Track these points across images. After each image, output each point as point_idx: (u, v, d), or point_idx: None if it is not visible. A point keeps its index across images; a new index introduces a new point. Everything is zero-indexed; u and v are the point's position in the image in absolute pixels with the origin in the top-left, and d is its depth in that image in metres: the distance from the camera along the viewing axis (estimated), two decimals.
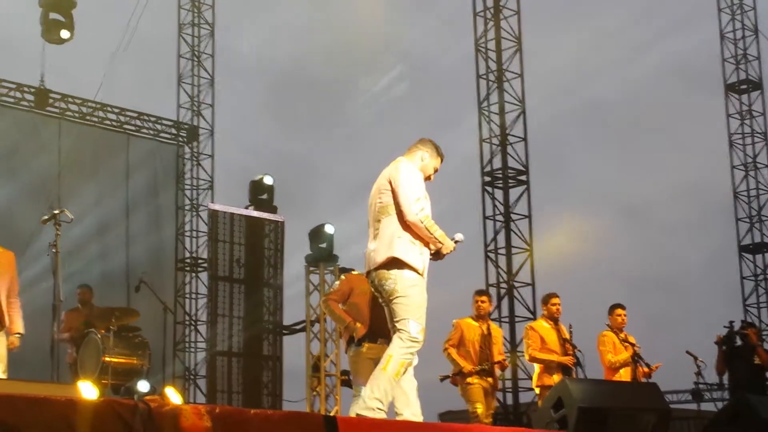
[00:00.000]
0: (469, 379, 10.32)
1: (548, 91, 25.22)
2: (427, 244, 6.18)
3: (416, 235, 6.11)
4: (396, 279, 6.06)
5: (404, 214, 6.07)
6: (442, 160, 6.45)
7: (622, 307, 10.77)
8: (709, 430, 8.64)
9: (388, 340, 7.71)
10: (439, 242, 6.15)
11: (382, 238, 6.15)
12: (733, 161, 22.11)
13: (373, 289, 6.43)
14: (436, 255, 6.25)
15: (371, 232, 6.28)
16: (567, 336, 10.28)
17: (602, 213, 30.76)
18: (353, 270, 9.55)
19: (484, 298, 10.72)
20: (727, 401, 12.15)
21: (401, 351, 6.02)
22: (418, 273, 6.09)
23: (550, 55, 26.00)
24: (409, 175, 6.19)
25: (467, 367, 10.31)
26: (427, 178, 6.36)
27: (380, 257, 6.13)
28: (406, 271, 6.05)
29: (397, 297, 6.06)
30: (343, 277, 9.21)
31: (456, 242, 6.31)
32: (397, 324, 6.08)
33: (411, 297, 6.05)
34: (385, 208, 6.20)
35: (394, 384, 6.02)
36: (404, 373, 6.09)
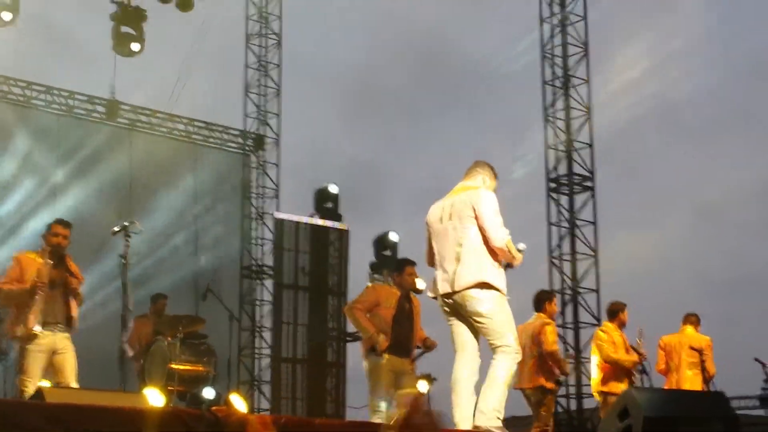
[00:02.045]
0: None
1: (616, 96, 25.00)
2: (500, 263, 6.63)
3: (497, 258, 6.56)
4: (487, 300, 6.49)
5: (493, 241, 6.49)
6: (497, 181, 6.84)
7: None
8: None
9: (407, 353, 8.45)
10: (516, 259, 6.61)
11: (467, 262, 6.53)
12: None
13: (447, 309, 6.70)
14: (506, 266, 6.66)
15: (449, 254, 6.62)
16: (639, 341, 10.25)
17: (672, 216, 30.43)
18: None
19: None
20: None
21: (510, 362, 6.47)
22: (503, 293, 6.54)
23: (617, 60, 25.79)
24: (493, 202, 6.59)
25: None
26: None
27: (467, 281, 6.52)
28: (495, 293, 6.50)
29: (491, 316, 6.49)
30: (369, 285, 9.28)
31: (521, 251, 6.67)
32: (496, 341, 6.50)
33: (504, 314, 6.55)
34: (469, 234, 6.56)
35: (506, 394, 6.47)
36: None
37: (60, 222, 8.65)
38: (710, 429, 7.43)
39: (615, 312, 10.63)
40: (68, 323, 8.44)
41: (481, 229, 6.53)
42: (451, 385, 6.64)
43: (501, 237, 6.49)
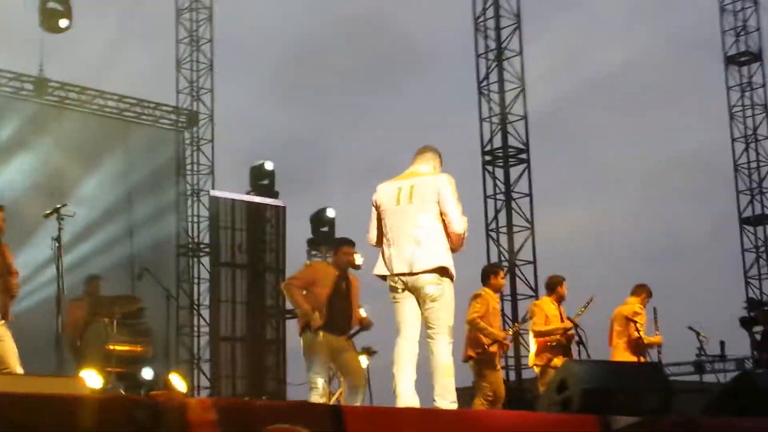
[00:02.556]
0: None
1: (549, 69, 25.14)
2: None
3: (452, 244, 6.69)
4: (444, 286, 6.63)
5: (455, 226, 6.63)
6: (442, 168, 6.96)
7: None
8: (713, 404, 8.67)
9: (343, 331, 8.56)
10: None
11: (429, 246, 6.63)
12: (734, 133, 22.10)
13: (399, 288, 6.75)
14: None
15: (406, 236, 6.69)
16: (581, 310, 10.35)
17: (609, 187, 30.76)
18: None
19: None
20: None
21: (451, 348, 6.67)
22: (453, 280, 6.71)
23: (549, 33, 25.92)
24: (454, 189, 6.72)
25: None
26: None
27: (428, 264, 6.62)
28: (448, 280, 6.65)
29: (442, 302, 6.63)
30: (307, 263, 9.34)
31: None
32: (439, 326, 6.63)
33: (452, 302, 6.71)
34: (429, 218, 6.66)
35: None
36: None
37: None
38: (645, 399, 7.56)
39: (553, 286, 10.71)
40: (5, 312, 8.25)
41: (443, 214, 6.64)
42: (393, 359, 6.73)
43: (461, 224, 6.65)
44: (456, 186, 6.74)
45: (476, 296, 10.17)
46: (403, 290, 6.76)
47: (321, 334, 8.48)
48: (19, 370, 8.14)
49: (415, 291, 6.71)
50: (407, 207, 6.73)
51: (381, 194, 6.89)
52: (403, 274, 6.71)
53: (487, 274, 10.37)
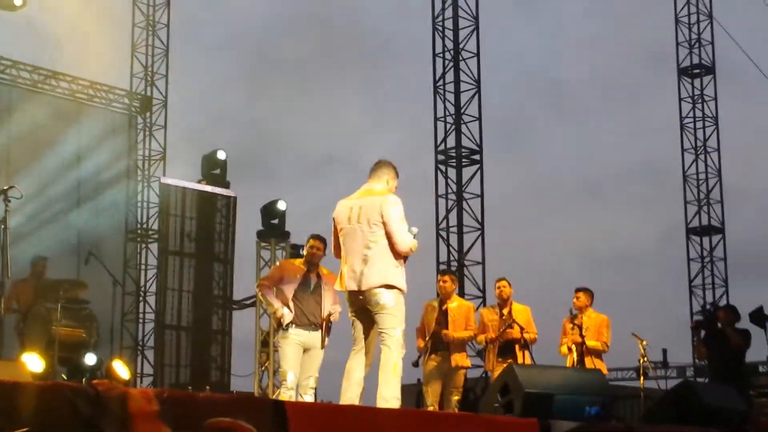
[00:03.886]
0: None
1: (505, 72, 25.29)
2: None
3: (400, 258, 7.06)
4: (389, 296, 7.00)
5: (399, 246, 6.97)
6: (398, 180, 7.26)
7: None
8: (653, 412, 8.79)
9: (315, 326, 8.83)
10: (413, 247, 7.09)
11: (375, 264, 7.02)
12: (684, 144, 22.37)
13: (353, 305, 7.20)
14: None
15: (357, 254, 7.09)
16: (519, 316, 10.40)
17: (556, 190, 31.01)
18: (303, 246, 9.68)
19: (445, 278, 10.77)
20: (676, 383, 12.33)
21: (399, 352, 7.00)
22: (402, 291, 7.08)
23: (507, 36, 26.07)
24: (398, 208, 7.05)
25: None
26: None
27: (375, 282, 7.02)
28: (396, 291, 7.02)
29: (388, 311, 6.99)
30: (278, 263, 9.54)
31: (414, 236, 7.11)
32: (389, 330, 7.00)
33: (400, 312, 7.06)
34: (376, 238, 7.03)
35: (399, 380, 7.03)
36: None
37: None
38: (586, 403, 7.65)
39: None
40: None
41: (388, 235, 6.99)
42: (345, 371, 7.16)
43: (406, 242, 6.99)
44: (400, 205, 7.03)
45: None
46: (355, 307, 7.19)
47: (290, 330, 8.80)
48: None
49: (367, 304, 7.08)
50: (357, 226, 7.10)
51: (337, 212, 7.26)
52: (353, 292, 7.11)
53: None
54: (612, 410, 7.95)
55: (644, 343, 11.49)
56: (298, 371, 8.83)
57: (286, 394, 8.71)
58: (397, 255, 7.03)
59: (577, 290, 10.89)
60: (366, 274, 7.03)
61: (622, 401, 16.38)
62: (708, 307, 11.90)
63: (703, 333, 11.88)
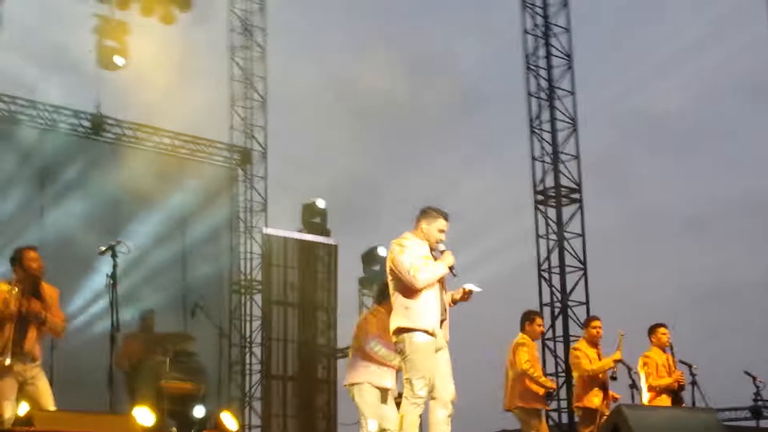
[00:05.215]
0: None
1: (602, 109, 25.06)
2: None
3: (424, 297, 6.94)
4: (403, 345, 6.96)
5: (412, 286, 6.92)
6: (445, 218, 7.22)
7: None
8: None
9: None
10: (443, 268, 6.99)
11: (394, 308, 7.07)
12: None
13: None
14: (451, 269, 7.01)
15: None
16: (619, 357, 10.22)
17: (658, 227, 30.50)
18: None
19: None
20: None
21: (405, 405, 6.91)
22: (428, 333, 6.90)
23: (602, 71, 25.87)
24: (397, 255, 7.02)
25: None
26: (439, 241, 7.15)
27: (392, 325, 7.04)
28: (407, 336, 6.92)
29: (405, 360, 6.97)
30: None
31: (469, 290, 7.15)
32: (406, 383, 6.95)
33: (413, 357, 6.91)
34: (393, 285, 7.11)
35: None
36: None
37: (32, 247, 8.46)
38: None
39: (585, 326, 10.72)
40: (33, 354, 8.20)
41: (399, 281, 7.03)
42: None
43: (416, 280, 6.91)
44: (400, 246, 7.04)
45: (520, 344, 10.13)
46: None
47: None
48: (53, 409, 8.13)
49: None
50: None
51: None
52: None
53: (524, 321, 10.35)
54: None
55: (759, 379, 11.16)
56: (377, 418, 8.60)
57: None
58: (410, 294, 6.98)
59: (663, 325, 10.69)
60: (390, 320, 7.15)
61: None
62: None
63: None
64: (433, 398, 6.96)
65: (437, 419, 6.94)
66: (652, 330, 10.66)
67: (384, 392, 8.30)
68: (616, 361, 10.19)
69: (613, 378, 10.22)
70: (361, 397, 8.26)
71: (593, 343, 10.52)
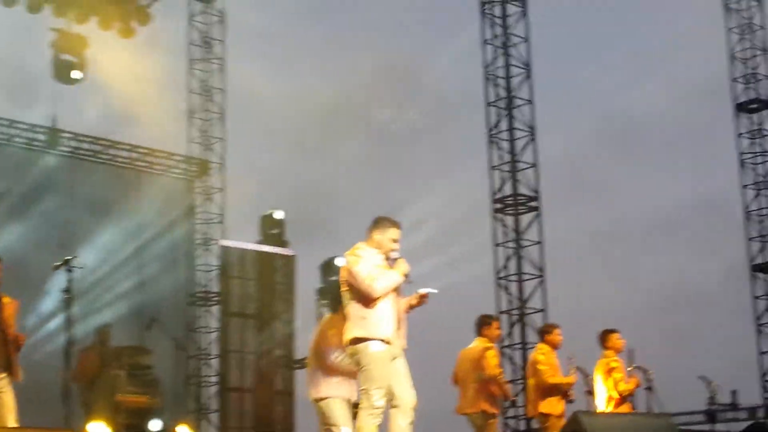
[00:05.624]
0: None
1: (559, 116, 25.22)
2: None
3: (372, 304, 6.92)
4: (358, 356, 6.94)
5: (370, 296, 6.88)
6: (397, 227, 7.25)
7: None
8: None
9: None
10: (398, 276, 7.01)
11: (349, 318, 7.02)
12: (744, 180, 22.06)
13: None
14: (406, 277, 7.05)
15: None
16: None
17: (616, 235, 30.71)
18: None
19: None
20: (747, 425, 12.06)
21: (361, 417, 6.88)
22: (384, 341, 6.90)
23: (560, 81, 26.04)
24: (353, 266, 6.99)
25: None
26: (392, 250, 7.14)
27: (348, 336, 7.00)
28: (363, 346, 6.90)
29: (360, 371, 6.96)
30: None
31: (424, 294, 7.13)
32: (362, 394, 6.95)
33: (368, 367, 6.90)
34: (348, 295, 7.04)
35: None
36: None
37: None
38: None
39: (547, 333, 10.72)
40: (7, 365, 8.14)
41: (356, 292, 6.96)
42: None
43: (372, 289, 6.88)
44: (354, 258, 6.99)
45: (488, 348, 10.13)
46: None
47: None
48: (13, 425, 8.05)
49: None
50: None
51: None
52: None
53: (480, 326, 10.31)
54: None
55: (713, 384, 11.28)
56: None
57: None
58: (366, 303, 6.96)
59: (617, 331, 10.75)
60: (345, 330, 7.12)
61: None
62: None
63: None
64: (394, 406, 6.94)
65: (398, 427, 6.93)
66: (606, 336, 10.66)
67: (349, 403, 8.28)
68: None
69: (570, 401, 10.25)
70: (329, 410, 8.22)
71: (556, 349, 10.56)
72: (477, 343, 10.20)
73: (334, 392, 8.12)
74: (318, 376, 8.21)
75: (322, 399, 8.12)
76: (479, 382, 10.04)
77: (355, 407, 7.83)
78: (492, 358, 10.07)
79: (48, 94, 17.59)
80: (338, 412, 8.12)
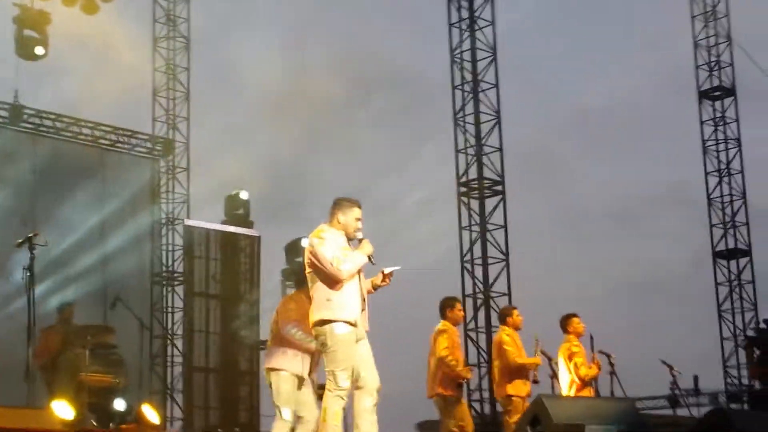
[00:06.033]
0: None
1: (525, 101, 25.31)
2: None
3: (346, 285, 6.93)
4: (324, 338, 6.94)
5: (336, 278, 6.91)
6: (359, 206, 7.25)
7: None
8: None
9: None
10: (363, 257, 7.01)
11: (315, 300, 7.03)
12: (707, 167, 22.25)
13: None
14: (370, 258, 7.05)
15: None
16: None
17: (582, 219, 30.91)
18: None
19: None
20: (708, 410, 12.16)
21: (327, 398, 6.91)
22: (350, 324, 6.91)
23: (525, 66, 26.13)
24: (317, 248, 7.00)
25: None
26: (357, 230, 7.17)
27: (313, 318, 7.02)
28: (329, 327, 6.91)
29: (326, 352, 6.96)
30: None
31: (388, 273, 7.17)
32: (328, 375, 6.96)
33: (334, 348, 6.92)
34: (313, 276, 7.05)
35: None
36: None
37: None
38: None
39: (509, 315, 10.78)
40: None
41: (321, 273, 6.97)
42: None
43: (337, 272, 6.90)
44: (319, 240, 6.99)
45: (441, 331, 10.14)
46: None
47: None
48: None
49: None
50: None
51: None
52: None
53: (444, 308, 10.34)
54: None
55: (675, 369, 11.37)
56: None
57: None
58: (332, 285, 6.97)
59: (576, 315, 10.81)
60: (311, 311, 7.12)
61: (654, 430, 16.20)
62: (761, 324, 11.73)
63: (757, 352, 11.60)
64: (358, 387, 6.97)
65: (363, 408, 6.96)
66: (567, 320, 10.74)
67: (300, 379, 8.28)
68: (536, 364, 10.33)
69: (536, 382, 10.31)
70: (277, 384, 8.23)
71: (518, 330, 10.63)
72: (439, 326, 10.24)
73: (286, 365, 8.17)
74: (274, 348, 8.27)
75: (273, 369, 8.17)
76: (434, 366, 10.10)
77: (320, 389, 7.84)
78: (442, 340, 10.08)
79: (10, 70, 17.36)
80: (284, 388, 8.17)
